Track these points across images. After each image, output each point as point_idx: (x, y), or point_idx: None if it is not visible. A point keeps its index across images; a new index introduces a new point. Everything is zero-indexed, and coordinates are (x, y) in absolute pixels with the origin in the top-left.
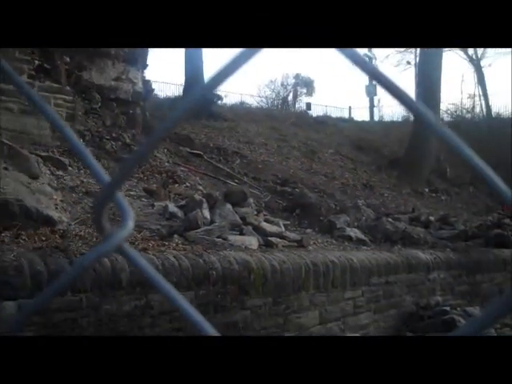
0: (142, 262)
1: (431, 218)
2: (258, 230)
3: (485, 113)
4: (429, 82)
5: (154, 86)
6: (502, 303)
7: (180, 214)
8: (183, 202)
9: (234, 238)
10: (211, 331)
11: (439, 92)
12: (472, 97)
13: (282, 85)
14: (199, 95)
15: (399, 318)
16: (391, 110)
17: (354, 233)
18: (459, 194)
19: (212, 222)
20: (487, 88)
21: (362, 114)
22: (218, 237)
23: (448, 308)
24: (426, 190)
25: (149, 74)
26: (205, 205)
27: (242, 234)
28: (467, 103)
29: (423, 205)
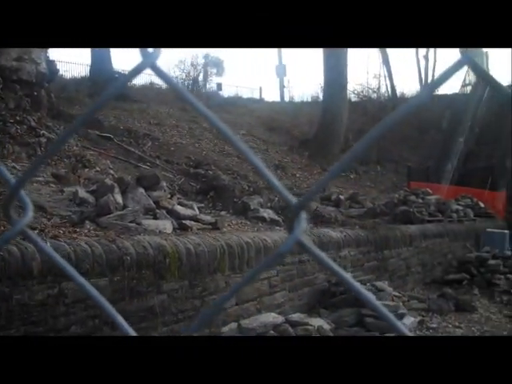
0: (46, 248)
1: (341, 197)
2: (172, 213)
3: (390, 93)
4: (335, 62)
5: (59, 66)
6: None
7: (91, 199)
8: (94, 187)
9: (148, 223)
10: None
11: (346, 72)
12: (377, 77)
13: (192, 65)
14: (118, 89)
15: (313, 295)
16: (301, 90)
17: (268, 214)
18: (367, 173)
19: (124, 206)
20: (392, 68)
21: (272, 95)
22: (131, 222)
23: (358, 283)
24: None
25: (53, 54)
26: (116, 189)
27: (155, 218)
28: (373, 83)
29: (333, 184)
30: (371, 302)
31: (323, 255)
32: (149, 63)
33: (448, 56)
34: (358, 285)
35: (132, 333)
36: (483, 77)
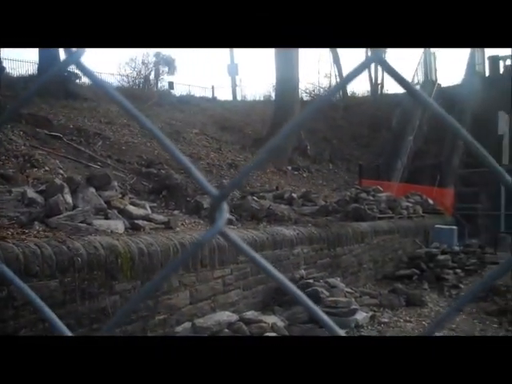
0: None
1: (294, 195)
2: (124, 213)
3: (341, 92)
4: (287, 62)
5: (5, 64)
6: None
7: (40, 199)
8: (43, 187)
9: (99, 223)
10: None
11: (297, 72)
12: (328, 76)
13: (143, 63)
14: (54, 75)
15: (267, 293)
16: (253, 89)
17: None
18: (320, 171)
19: (75, 207)
20: (342, 68)
21: (225, 94)
22: (81, 222)
23: (311, 281)
24: (289, 167)
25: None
26: (66, 189)
27: (107, 218)
28: (324, 82)
29: (287, 182)
30: (300, 299)
31: (247, 247)
32: (73, 61)
33: (396, 55)
34: (284, 279)
35: (68, 333)
36: (392, 74)
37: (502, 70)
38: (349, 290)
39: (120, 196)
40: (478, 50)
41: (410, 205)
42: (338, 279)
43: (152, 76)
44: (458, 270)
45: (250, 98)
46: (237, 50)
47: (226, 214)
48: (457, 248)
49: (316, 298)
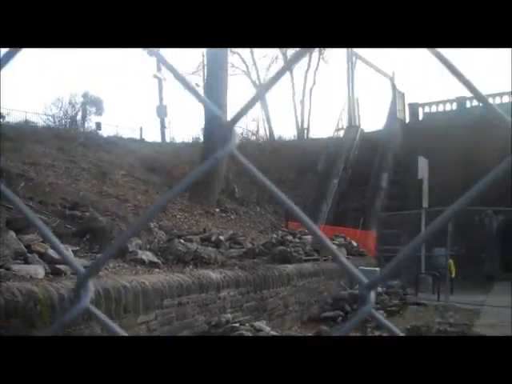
0: None
1: (221, 238)
2: (45, 257)
3: (268, 135)
4: (216, 105)
5: None
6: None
7: None
8: None
9: (18, 268)
10: None
11: (225, 115)
12: (256, 120)
13: (70, 103)
14: None
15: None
16: (182, 131)
17: (147, 256)
18: (247, 213)
19: None
20: (269, 113)
21: (153, 135)
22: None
23: (237, 324)
24: (217, 210)
25: None
26: None
27: (27, 262)
28: (252, 126)
29: (214, 225)
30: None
31: (111, 324)
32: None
33: (322, 106)
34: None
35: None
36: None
37: (421, 117)
38: (274, 333)
39: (41, 240)
40: (398, 97)
41: (335, 247)
42: (264, 322)
43: (79, 116)
44: (381, 311)
45: (178, 139)
46: (166, 92)
47: (91, 291)
48: (379, 289)
49: None
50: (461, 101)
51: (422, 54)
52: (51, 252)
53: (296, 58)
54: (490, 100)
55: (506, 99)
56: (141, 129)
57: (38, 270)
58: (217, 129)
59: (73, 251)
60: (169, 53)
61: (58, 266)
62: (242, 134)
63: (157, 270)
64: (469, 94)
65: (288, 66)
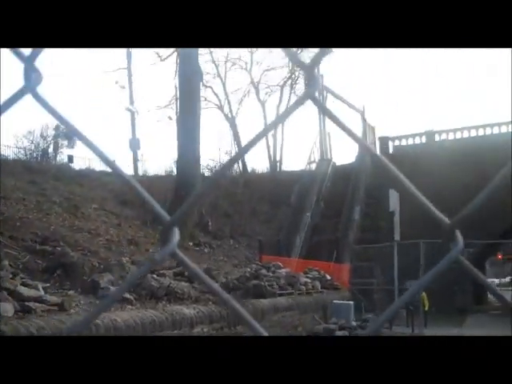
0: None
1: None
2: (14, 295)
3: (241, 169)
4: (189, 138)
5: None
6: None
7: None
8: None
9: None
10: None
11: (198, 148)
12: (229, 153)
13: (42, 136)
14: None
15: None
16: (155, 163)
17: None
18: (221, 247)
19: None
20: (242, 145)
21: (126, 168)
22: None
23: None
24: (190, 243)
25: None
26: None
27: None
28: (225, 159)
29: (188, 259)
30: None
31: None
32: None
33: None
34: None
35: None
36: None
37: (391, 150)
38: None
39: (11, 276)
40: (369, 131)
41: (309, 281)
42: None
43: (51, 149)
44: None
45: (151, 172)
46: (138, 124)
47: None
48: (354, 323)
49: None
50: (429, 134)
51: (392, 87)
52: (21, 289)
53: (294, 107)
54: (488, 130)
55: (504, 129)
56: (113, 161)
57: (7, 307)
58: (189, 162)
59: (43, 288)
60: (142, 86)
61: (27, 303)
62: (214, 167)
63: (129, 306)
64: (437, 128)
65: (281, 119)
